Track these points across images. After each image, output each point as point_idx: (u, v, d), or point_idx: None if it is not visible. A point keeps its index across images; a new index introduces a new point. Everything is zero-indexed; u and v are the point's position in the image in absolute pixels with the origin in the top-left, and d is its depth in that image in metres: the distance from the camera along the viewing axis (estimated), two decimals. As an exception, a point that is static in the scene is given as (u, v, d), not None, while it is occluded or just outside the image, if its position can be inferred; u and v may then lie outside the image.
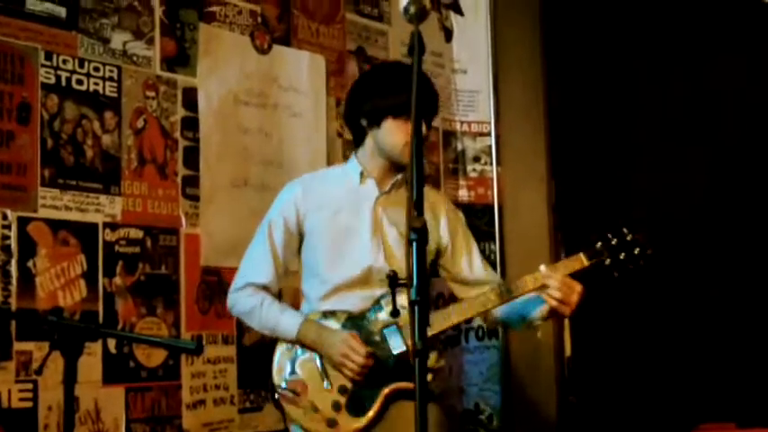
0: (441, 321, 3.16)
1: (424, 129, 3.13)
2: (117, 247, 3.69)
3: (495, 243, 5.02)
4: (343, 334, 3.14)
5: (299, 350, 3.20)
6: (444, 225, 3.36)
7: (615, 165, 5.10)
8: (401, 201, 3.23)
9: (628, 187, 5.06)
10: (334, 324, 3.19)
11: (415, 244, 2.13)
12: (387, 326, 3.16)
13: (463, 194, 5.06)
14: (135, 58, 3.82)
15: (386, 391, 3.13)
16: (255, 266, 3.28)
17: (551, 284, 3.09)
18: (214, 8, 4.11)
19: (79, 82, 3.65)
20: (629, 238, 3.21)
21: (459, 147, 5.10)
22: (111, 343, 3.61)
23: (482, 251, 3.53)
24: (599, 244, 3.20)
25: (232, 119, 4.12)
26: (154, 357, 3.74)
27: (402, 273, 3.17)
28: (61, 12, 3.62)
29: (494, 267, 4.88)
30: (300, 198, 3.28)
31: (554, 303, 3.09)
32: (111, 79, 3.74)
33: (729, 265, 4.87)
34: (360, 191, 3.28)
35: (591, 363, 4.99)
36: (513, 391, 4.94)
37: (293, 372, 3.18)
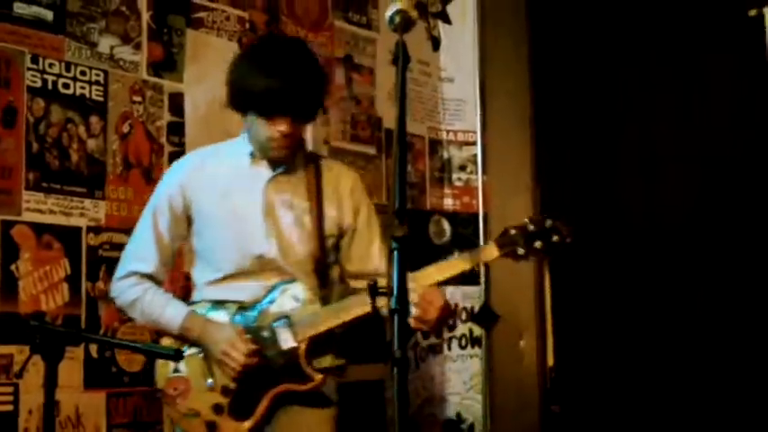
0: (332, 318, 2.95)
1: (286, 126, 2.91)
2: (100, 252, 3.69)
3: (480, 252, 5.01)
4: (228, 329, 2.94)
5: (186, 346, 2.99)
6: (348, 205, 3.12)
7: (601, 173, 5.11)
8: (297, 182, 3.06)
9: (614, 196, 5.07)
10: (223, 315, 2.99)
11: (396, 252, 2.08)
12: (277, 319, 2.96)
13: (449, 203, 5.06)
14: (122, 63, 3.82)
15: (272, 392, 2.94)
16: (140, 254, 3.10)
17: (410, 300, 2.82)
18: (202, 14, 4.11)
19: (65, 86, 3.64)
20: (547, 224, 3.03)
21: (445, 155, 5.11)
22: (94, 348, 3.61)
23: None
24: (513, 231, 3.02)
25: (218, 124, 4.10)
26: (135, 362, 3.73)
27: (299, 259, 2.99)
28: (48, 15, 3.62)
29: (479, 276, 4.94)
30: (186, 180, 3.08)
31: (411, 323, 2.76)
32: (97, 83, 3.74)
33: (715, 275, 4.88)
34: (250, 171, 3.05)
35: (574, 372, 5.00)
36: (496, 401, 4.94)
37: (176, 369, 3.00)
